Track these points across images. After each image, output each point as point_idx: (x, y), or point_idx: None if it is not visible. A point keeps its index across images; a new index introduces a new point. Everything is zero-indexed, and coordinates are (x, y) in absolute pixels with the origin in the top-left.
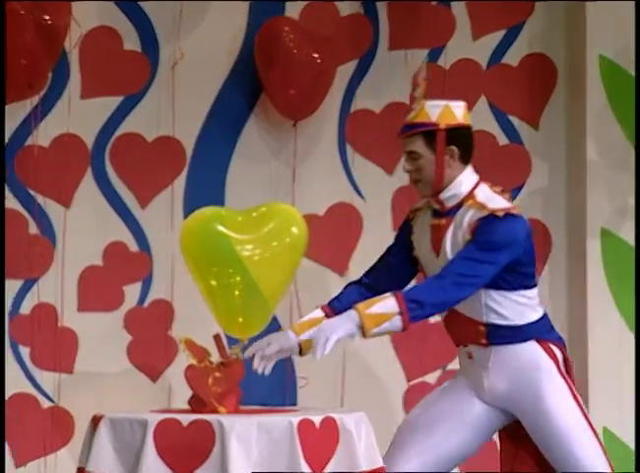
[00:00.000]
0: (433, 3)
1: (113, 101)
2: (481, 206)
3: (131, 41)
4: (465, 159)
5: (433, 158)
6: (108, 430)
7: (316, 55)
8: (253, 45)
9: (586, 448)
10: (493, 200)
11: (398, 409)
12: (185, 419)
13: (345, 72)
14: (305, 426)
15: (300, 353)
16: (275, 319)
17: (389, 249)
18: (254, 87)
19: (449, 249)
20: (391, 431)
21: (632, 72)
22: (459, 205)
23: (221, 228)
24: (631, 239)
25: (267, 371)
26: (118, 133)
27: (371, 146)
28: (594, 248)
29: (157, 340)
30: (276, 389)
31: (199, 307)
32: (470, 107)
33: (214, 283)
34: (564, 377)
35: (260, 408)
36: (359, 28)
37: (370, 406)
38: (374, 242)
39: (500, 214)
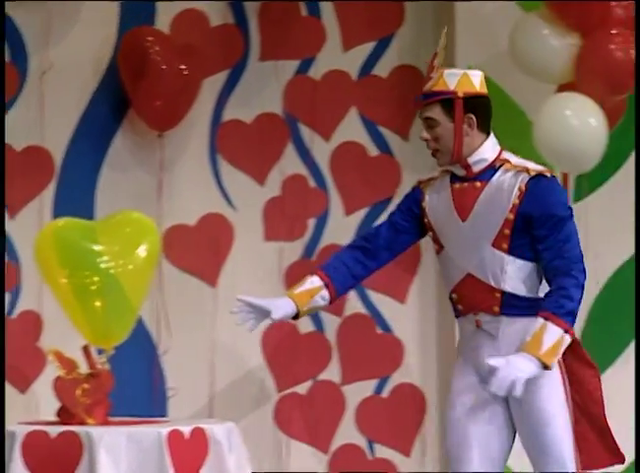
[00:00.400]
0: (304, 14)
1: None
2: (524, 168)
3: None
4: (483, 127)
5: (452, 126)
6: None
7: (183, 66)
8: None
9: (561, 441)
10: (529, 163)
11: (268, 420)
12: (53, 431)
13: (216, 82)
14: (175, 436)
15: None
16: (144, 334)
17: (392, 215)
18: (122, 97)
19: (483, 212)
20: (262, 441)
21: (502, 83)
22: (490, 168)
23: (75, 237)
24: None
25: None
26: None
27: (242, 156)
28: None
29: (25, 351)
30: (145, 400)
31: (67, 319)
32: (340, 118)
33: (71, 290)
34: (559, 364)
35: (129, 419)
36: (230, 38)
37: (241, 417)
38: (245, 252)
39: (548, 174)
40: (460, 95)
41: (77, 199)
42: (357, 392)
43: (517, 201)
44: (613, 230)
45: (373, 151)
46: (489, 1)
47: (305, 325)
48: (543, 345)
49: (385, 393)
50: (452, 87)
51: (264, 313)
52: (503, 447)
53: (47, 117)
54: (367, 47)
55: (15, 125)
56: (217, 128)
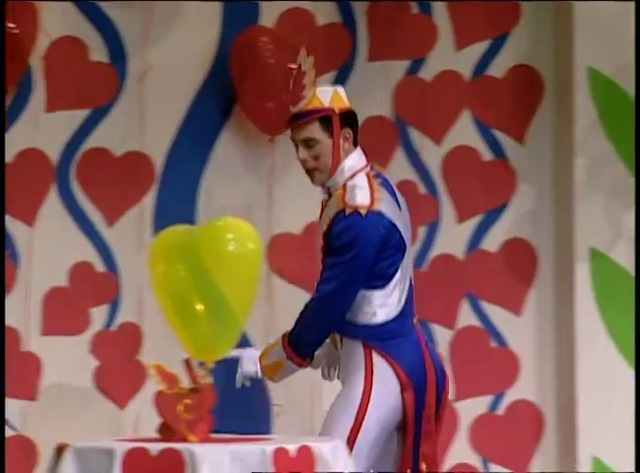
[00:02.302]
0: (414, 12)
1: (79, 115)
2: (340, 197)
3: (98, 52)
4: (354, 141)
5: (331, 142)
6: (73, 459)
7: (293, 66)
8: (227, 55)
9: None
10: (356, 193)
11: None
12: (154, 448)
13: (322, 84)
14: (280, 455)
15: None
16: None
17: None
18: (228, 99)
19: (318, 229)
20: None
21: (624, 84)
22: (334, 192)
23: (186, 243)
24: (623, 260)
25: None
26: (84, 148)
27: None
28: (583, 270)
29: (124, 365)
30: (249, 417)
31: (169, 331)
32: (452, 121)
33: (175, 301)
34: (368, 386)
35: (232, 436)
36: (337, 37)
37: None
38: None
39: (349, 211)
40: (336, 110)
41: (178, 206)
42: (471, 409)
43: (325, 228)
44: None
45: (487, 155)
46: (608, 1)
47: None
48: (268, 358)
49: (500, 410)
50: (327, 103)
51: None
52: None
53: (147, 121)
54: (481, 46)
55: (113, 130)
56: None
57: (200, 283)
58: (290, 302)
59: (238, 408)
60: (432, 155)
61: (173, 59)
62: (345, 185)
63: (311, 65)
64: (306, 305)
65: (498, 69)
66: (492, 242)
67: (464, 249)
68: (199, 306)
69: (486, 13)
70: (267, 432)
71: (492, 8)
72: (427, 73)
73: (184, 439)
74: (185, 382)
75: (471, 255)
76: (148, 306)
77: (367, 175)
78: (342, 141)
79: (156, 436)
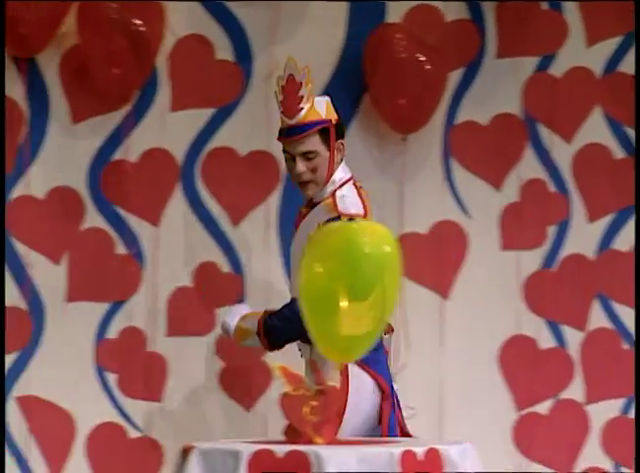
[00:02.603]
0: (544, 8)
1: (205, 114)
2: (334, 207)
3: (224, 50)
4: (343, 153)
5: (328, 155)
6: (199, 461)
7: (424, 60)
8: (354, 53)
9: None
10: (348, 202)
11: (506, 441)
12: (280, 450)
13: (449, 81)
14: (408, 457)
15: None
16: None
17: None
18: (355, 97)
19: (297, 239)
20: (498, 463)
21: None
22: (320, 201)
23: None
24: None
25: None
26: (209, 147)
27: (477, 160)
28: None
29: (250, 366)
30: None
31: None
32: (583, 119)
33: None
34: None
35: (359, 438)
36: (465, 34)
37: (474, 436)
38: (480, 262)
39: (345, 219)
40: (333, 122)
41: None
42: (603, 412)
43: None
44: None
45: (619, 153)
46: None
47: (546, 340)
48: (245, 320)
49: (633, 414)
50: (324, 115)
51: None
52: None
53: (273, 120)
54: (613, 42)
55: (239, 129)
56: (450, 130)
57: (340, 283)
58: (419, 303)
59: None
60: (562, 153)
61: (300, 58)
62: (334, 195)
63: (308, 76)
64: (295, 302)
65: (630, 65)
66: (624, 242)
67: (595, 249)
68: (342, 304)
69: (618, 9)
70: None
71: (624, 4)
72: (557, 69)
73: (310, 442)
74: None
75: (602, 255)
76: (273, 307)
77: (355, 186)
78: (336, 152)
79: (282, 438)
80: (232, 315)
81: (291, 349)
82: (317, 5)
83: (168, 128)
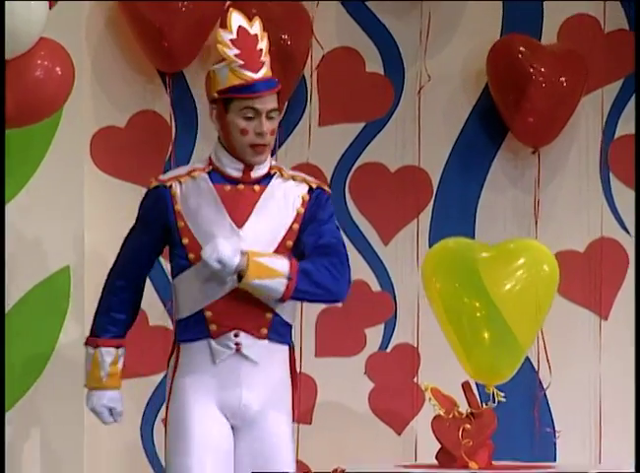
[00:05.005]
0: None
1: (354, 129)
2: (302, 179)
3: (373, 63)
4: None
5: (279, 118)
6: None
7: (562, 78)
8: None
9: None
10: (303, 174)
11: None
12: None
13: (607, 93)
14: None
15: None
16: (528, 362)
17: (138, 237)
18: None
19: (263, 219)
20: None
21: None
22: (267, 173)
23: (467, 259)
24: None
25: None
26: (359, 163)
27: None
28: None
29: (401, 388)
30: (528, 442)
31: (446, 353)
32: None
33: (455, 318)
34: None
35: (514, 463)
36: (624, 45)
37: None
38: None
39: (326, 188)
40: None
41: (456, 223)
42: None
43: (302, 209)
44: None
45: None
46: None
47: None
48: (262, 257)
49: None
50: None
51: None
52: None
53: (424, 135)
54: None
55: (389, 144)
56: (609, 143)
57: (482, 304)
58: (566, 324)
59: (516, 433)
60: None
61: (451, 69)
62: (281, 168)
63: (262, 28)
64: (327, 271)
65: None
66: None
67: None
68: (484, 333)
69: None
70: (549, 459)
71: None
72: None
73: (465, 467)
74: (464, 407)
75: None
76: (424, 327)
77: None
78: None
79: (434, 462)
80: (228, 247)
81: (444, 371)
82: (470, 13)
83: (317, 143)
